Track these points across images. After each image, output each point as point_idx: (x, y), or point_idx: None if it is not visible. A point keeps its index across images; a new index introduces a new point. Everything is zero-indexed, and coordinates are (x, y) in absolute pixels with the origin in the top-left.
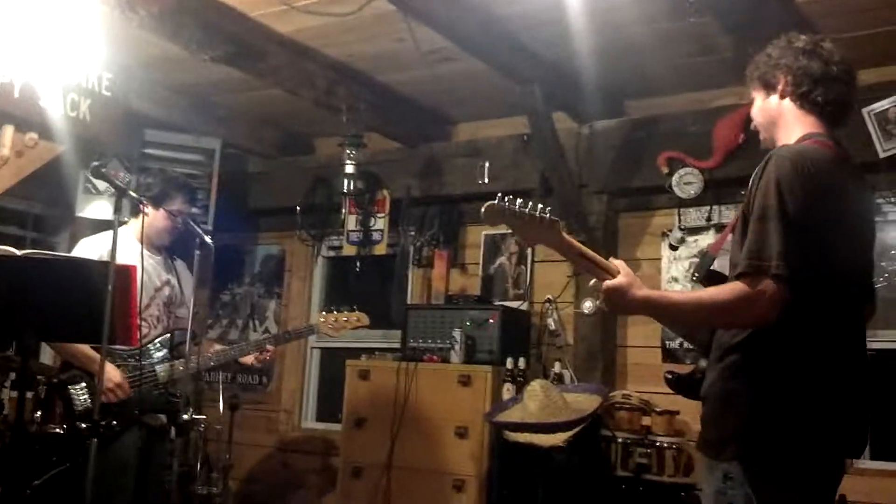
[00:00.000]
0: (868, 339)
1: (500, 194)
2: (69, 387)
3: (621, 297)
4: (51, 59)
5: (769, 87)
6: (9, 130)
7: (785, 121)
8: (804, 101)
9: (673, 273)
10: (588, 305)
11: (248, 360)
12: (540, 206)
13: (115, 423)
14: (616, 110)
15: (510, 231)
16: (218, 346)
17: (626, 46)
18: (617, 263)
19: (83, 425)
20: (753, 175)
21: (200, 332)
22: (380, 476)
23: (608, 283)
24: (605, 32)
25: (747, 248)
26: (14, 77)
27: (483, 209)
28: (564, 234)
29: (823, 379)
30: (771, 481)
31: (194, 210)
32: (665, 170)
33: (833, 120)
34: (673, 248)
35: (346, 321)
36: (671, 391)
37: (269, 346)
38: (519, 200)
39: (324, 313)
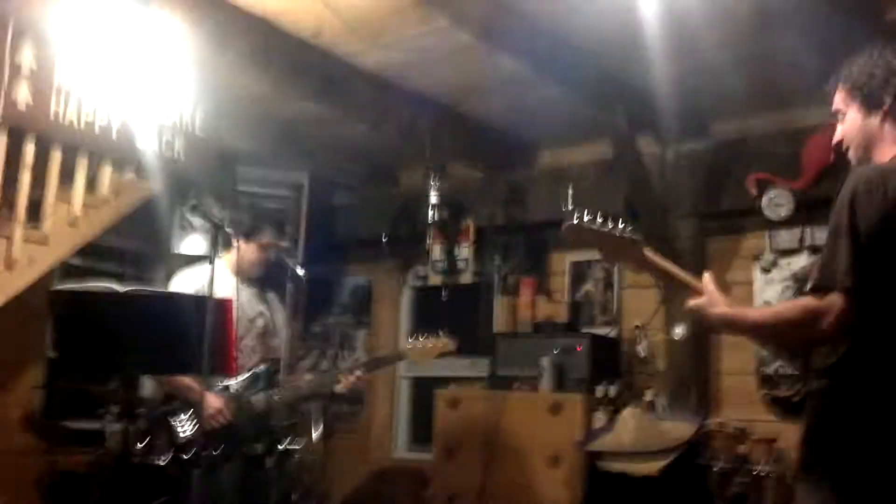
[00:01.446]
0: None
1: (581, 211)
2: (171, 418)
3: (702, 315)
4: (146, 100)
5: (873, 107)
6: (107, 171)
7: (884, 141)
8: None
9: (766, 296)
10: (678, 332)
11: (344, 385)
12: (622, 223)
13: (215, 453)
14: (701, 132)
15: (598, 258)
16: (308, 376)
17: (709, 68)
18: (704, 280)
19: (185, 456)
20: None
21: (294, 363)
22: None
23: (691, 303)
24: (687, 54)
25: (818, 264)
26: (112, 119)
27: (564, 227)
28: (648, 252)
29: None
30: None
31: (284, 243)
32: (754, 192)
33: None
34: (765, 271)
35: (432, 347)
36: (770, 416)
37: (358, 373)
38: (599, 219)
39: (410, 339)
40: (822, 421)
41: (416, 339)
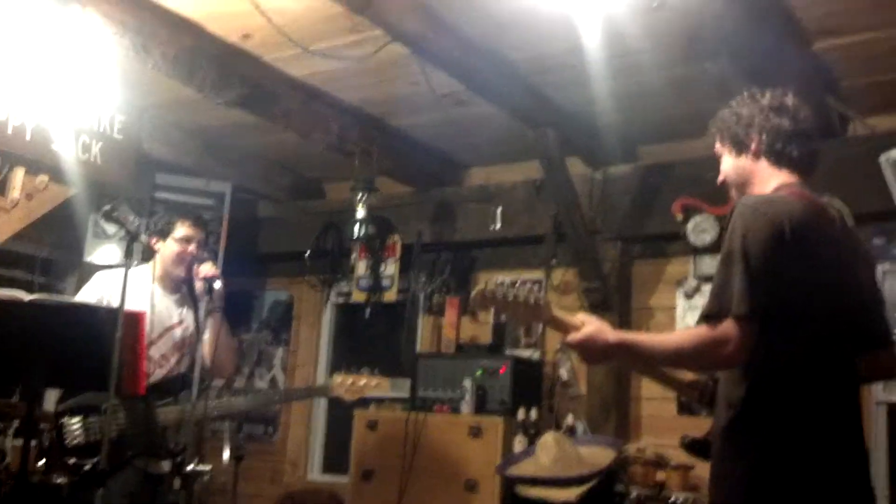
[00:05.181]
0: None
1: (486, 281)
2: (63, 419)
3: (593, 344)
4: (63, 102)
5: (742, 147)
6: (20, 173)
7: (759, 178)
8: (778, 158)
9: (688, 321)
10: None
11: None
12: (528, 284)
13: (106, 462)
14: (630, 155)
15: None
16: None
17: (640, 91)
18: (581, 316)
19: (71, 460)
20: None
21: (208, 380)
22: None
23: (574, 336)
24: (619, 77)
25: (711, 292)
26: (26, 119)
27: (472, 295)
28: (555, 312)
29: (821, 433)
30: None
31: (202, 234)
32: (680, 216)
33: (806, 171)
34: (688, 296)
35: (363, 386)
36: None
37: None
38: (506, 282)
39: (341, 374)
40: (730, 455)
41: (348, 374)
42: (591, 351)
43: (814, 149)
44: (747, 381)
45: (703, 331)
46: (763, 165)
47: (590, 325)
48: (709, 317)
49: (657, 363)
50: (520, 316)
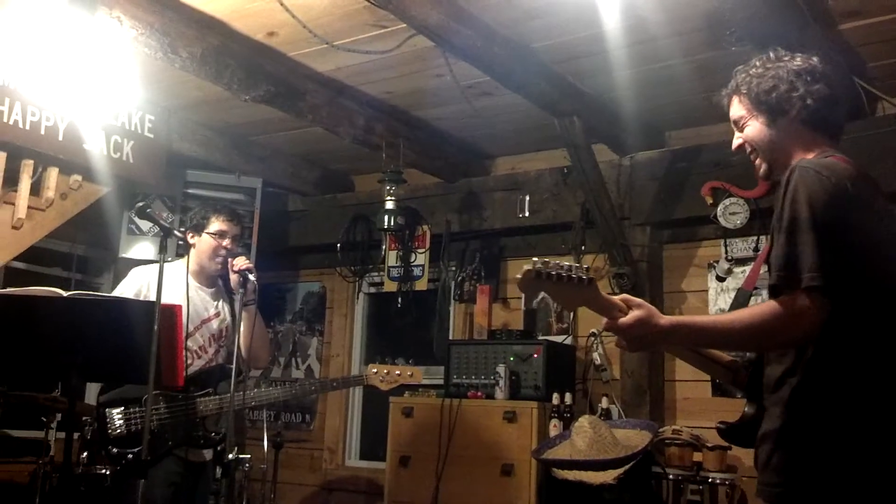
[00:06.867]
0: None
1: (533, 259)
2: (107, 409)
3: (644, 328)
4: (94, 102)
5: (778, 113)
6: (53, 173)
7: (797, 146)
8: (817, 124)
9: (720, 305)
10: None
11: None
12: (574, 265)
13: (147, 452)
14: (657, 141)
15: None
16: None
17: (666, 77)
18: (624, 297)
19: (113, 451)
20: (777, 193)
21: (245, 370)
22: None
23: (624, 320)
24: (643, 63)
25: (777, 262)
26: (58, 120)
27: (519, 277)
28: (602, 292)
29: (887, 407)
30: None
31: (236, 228)
32: (709, 200)
33: (838, 138)
34: (720, 279)
35: (398, 375)
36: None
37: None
38: (554, 262)
39: (376, 365)
40: (787, 436)
41: (382, 363)
42: (640, 337)
43: (844, 115)
44: (805, 359)
45: (775, 306)
46: (800, 132)
47: (639, 310)
48: (778, 290)
49: (719, 345)
50: (565, 297)
